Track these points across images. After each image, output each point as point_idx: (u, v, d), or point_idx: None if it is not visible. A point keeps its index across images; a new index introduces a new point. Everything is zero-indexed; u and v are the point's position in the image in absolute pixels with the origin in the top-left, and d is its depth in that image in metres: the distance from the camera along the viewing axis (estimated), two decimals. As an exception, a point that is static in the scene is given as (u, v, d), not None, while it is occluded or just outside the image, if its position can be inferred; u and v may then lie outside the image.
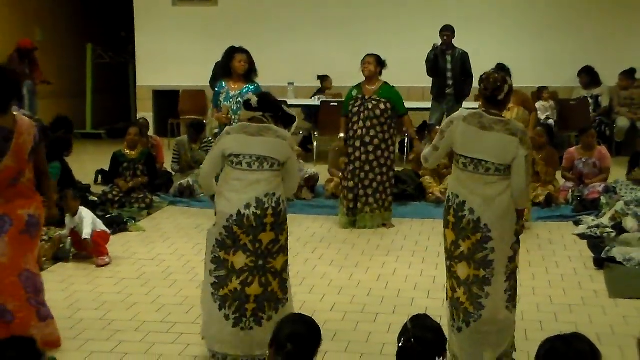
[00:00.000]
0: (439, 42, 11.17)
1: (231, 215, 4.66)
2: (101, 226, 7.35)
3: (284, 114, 4.99)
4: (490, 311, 4.55)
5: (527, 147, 4.50)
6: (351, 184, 8.34)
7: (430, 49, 11.15)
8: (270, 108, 4.91)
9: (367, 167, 8.28)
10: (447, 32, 11.12)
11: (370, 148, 8.23)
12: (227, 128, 4.99)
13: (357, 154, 8.28)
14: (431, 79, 11.43)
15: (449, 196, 4.66)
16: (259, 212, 4.64)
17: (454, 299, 4.65)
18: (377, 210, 8.36)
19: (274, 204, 4.68)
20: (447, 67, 11.14)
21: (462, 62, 11.15)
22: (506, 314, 4.62)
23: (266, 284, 4.72)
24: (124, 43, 16.06)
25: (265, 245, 4.69)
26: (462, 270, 4.59)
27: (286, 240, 4.82)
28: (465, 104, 11.47)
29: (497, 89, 4.57)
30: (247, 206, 4.64)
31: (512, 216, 4.57)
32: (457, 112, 4.75)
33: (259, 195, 4.66)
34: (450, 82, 11.15)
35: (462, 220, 4.54)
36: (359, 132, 8.24)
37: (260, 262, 4.69)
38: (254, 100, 4.89)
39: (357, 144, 8.27)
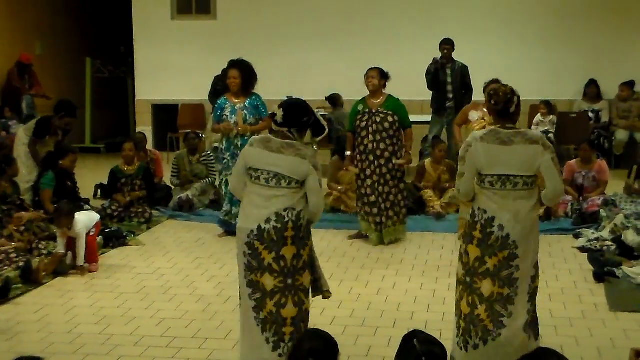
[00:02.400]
0: (439, 55, 11.18)
1: (252, 231, 4.63)
2: (94, 218, 7.43)
3: (314, 123, 4.84)
4: (511, 331, 4.51)
5: (551, 150, 4.55)
6: (372, 198, 8.18)
7: (430, 62, 11.16)
8: (295, 124, 4.75)
9: (382, 181, 8.17)
10: (447, 45, 11.12)
11: (382, 161, 8.14)
12: (251, 139, 4.88)
13: (373, 167, 8.17)
14: (430, 92, 11.43)
15: (474, 211, 4.61)
16: (279, 225, 4.60)
17: (473, 315, 4.58)
18: (397, 224, 8.29)
19: (294, 218, 4.63)
20: (448, 80, 11.14)
21: (462, 75, 11.16)
22: (524, 337, 4.56)
23: (300, 303, 4.68)
24: (123, 57, 16.09)
25: (290, 262, 4.63)
26: (487, 287, 4.54)
27: (310, 257, 4.75)
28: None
29: (508, 101, 4.60)
30: (268, 221, 4.61)
31: (536, 233, 4.60)
32: (471, 135, 4.74)
33: (279, 209, 4.61)
34: (450, 96, 11.15)
35: (491, 237, 4.51)
36: (370, 146, 8.14)
37: (290, 281, 4.65)
38: (279, 115, 4.75)
39: (371, 157, 8.15)
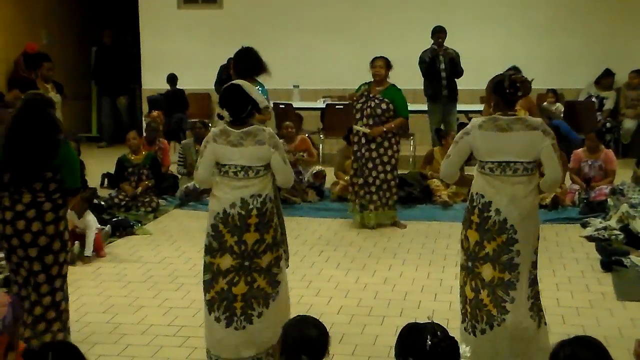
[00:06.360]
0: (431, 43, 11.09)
1: (218, 213, 4.76)
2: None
3: (252, 108, 4.83)
4: (515, 317, 4.50)
5: (551, 136, 4.54)
6: (361, 180, 8.37)
7: (427, 49, 11.07)
8: (244, 112, 4.79)
9: (370, 165, 8.33)
10: (442, 33, 11.04)
11: (373, 146, 8.30)
12: (212, 133, 4.89)
13: (363, 150, 8.34)
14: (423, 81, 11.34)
15: (472, 196, 4.61)
16: (243, 212, 4.71)
17: (477, 300, 4.58)
18: (380, 209, 8.40)
19: (258, 205, 4.73)
20: (442, 67, 11.07)
21: (454, 62, 11.06)
22: (530, 322, 4.56)
23: (251, 282, 4.77)
24: (129, 46, 16.06)
25: (250, 247, 4.74)
26: (487, 271, 4.54)
27: (274, 237, 4.83)
28: (459, 106, 11.46)
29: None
30: (232, 205, 4.72)
31: (536, 219, 4.59)
32: (470, 123, 4.75)
33: (245, 196, 4.72)
34: (444, 83, 11.09)
35: (488, 221, 4.51)
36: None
37: (246, 263, 4.75)
38: (226, 115, 4.81)
39: (362, 141, 8.33)
